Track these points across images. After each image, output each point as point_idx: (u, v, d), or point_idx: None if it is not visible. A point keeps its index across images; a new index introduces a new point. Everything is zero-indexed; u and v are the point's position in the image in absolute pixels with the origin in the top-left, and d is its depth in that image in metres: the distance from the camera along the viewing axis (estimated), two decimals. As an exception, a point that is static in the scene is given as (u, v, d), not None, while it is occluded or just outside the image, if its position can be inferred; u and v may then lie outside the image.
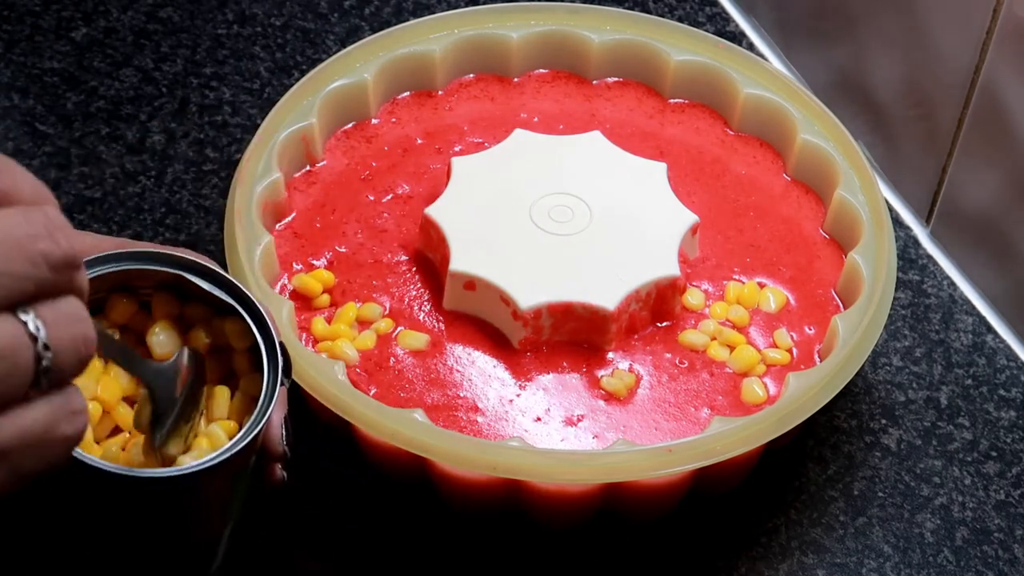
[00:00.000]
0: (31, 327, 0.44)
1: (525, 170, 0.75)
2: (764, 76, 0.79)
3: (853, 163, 0.75)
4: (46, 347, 0.44)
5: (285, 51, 0.89)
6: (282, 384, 0.56)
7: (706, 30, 0.88)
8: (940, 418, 0.75)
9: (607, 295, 0.70)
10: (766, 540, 0.70)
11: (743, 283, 0.74)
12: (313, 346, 0.70)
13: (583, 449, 0.68)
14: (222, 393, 0.57)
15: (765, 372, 0.71)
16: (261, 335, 0.56)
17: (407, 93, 0.80)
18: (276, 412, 0.57)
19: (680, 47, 0.80)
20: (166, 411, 0.54)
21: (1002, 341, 0.78)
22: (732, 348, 0.71)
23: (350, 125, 0.79)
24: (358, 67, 0.78)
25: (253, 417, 0.54)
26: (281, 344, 0.56)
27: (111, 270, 0.55)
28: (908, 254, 0.81)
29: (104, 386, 0.56)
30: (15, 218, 0.44)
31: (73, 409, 0.45)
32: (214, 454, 0.53)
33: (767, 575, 0.69)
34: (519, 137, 0.77)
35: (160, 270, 0.56)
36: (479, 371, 0.70)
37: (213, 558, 0.58)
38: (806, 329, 0.72)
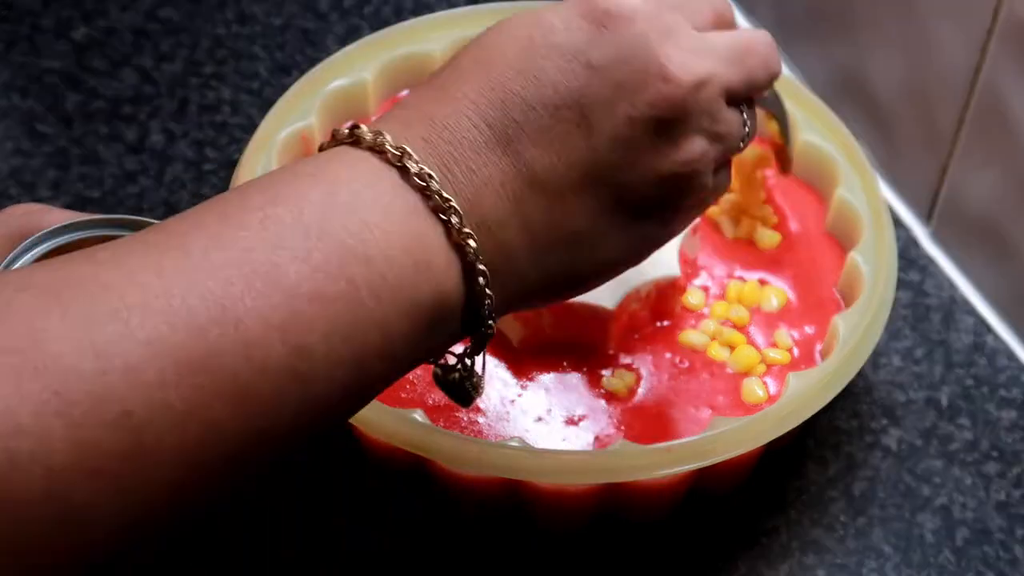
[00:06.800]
0: (746, 120, 0.58)
1: (525, 170, 0.75)
2: (764, 76, 0.79)
3: (853, 163, 0.75)
4: (746, 136, 0.58)
5: (285, 51, 0.89)
6: None
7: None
8: (941, 418, 0.75)
9: (607, 295, 0.70)
10: (766, 540, 0.70)
11: (743, 282, 0.74)
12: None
13: (583, 449, 0.68)
14: None
15: (765, 372, 0.71)
16: None
17: (407, 92, 0.80)
18: None
19: (680, 47, 0.80)
20: None
21: (1002, 341, 0.78)
22: (732, 348, 0.71)
23: (350, 124, 0.79)
24: (358, 67, 0.78)
25: None
26: None
27: (104, 233, 0.57)
28: (908, 254, 0.81)
29: None
30: (759, 35, 0.58)
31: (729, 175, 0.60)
32: None
33: (767, 575, 0.69)
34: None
35: None
36: (479, 371, 0.70)
37: None
38: (806, 329, 0.72)
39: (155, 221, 0.59)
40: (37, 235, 0.58)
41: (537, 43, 0.53)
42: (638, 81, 0.53)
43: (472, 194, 0.51)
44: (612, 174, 0.53)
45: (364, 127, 0.52)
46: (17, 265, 0.57)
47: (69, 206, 0.80)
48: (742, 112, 0.57)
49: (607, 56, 0.53)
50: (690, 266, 0.74)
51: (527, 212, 0.52)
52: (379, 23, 0.90)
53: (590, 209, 0.53)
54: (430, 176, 0.50)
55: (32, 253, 0.57)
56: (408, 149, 0.50)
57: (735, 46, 0.57)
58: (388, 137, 0.51)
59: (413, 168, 0.50)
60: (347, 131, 0.52)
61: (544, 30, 0.53)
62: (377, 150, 0.51)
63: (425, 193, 0.50)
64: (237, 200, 0.49)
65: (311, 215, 0.48)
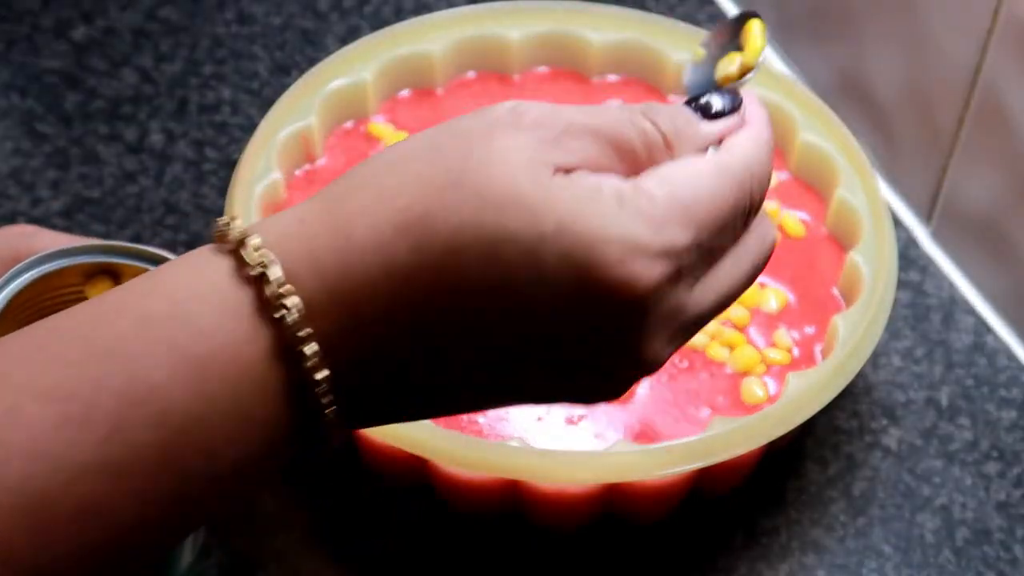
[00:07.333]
0: None
1: (525, 170, 0.75)
2: (764, 76, 0.79)
3: (853, 163, 0.75)
4: None
5: (284, 51, 0.89)
6: None
7: (706, 29, 0.88)
8: (941, 418, 0.75)
9: (607, 295, 0.70)
10: (766, 540, 0.70)
11: (743, 283, 0.74)
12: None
13: (583, 449, 0.68)
14: None
15: (765, 372, 0.71)
16: None
17: (407, 92, 0.80)
18: None
19: (680, 46, 0.80)
20: None
21: (1002, 341, 0.78)
22: (732, 348, 0.71)
23: (350, 124, 0.79)
24: (358, 67, 0.78)
25: None
26: None
27: (91, 260, 0.58)
28: (908, 254, 0.81)
29: None
30: (763, 251, 0.49)
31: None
32: None
33: (767, 575, 0.69)
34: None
35: (134, 265, 0.58)
36: (479, 371, 0.70)
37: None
38: (806, 329, 0.72)
39: (147, 248, 0.59)
40: (26, 261, 0.57)
41: (516, 288, 0.43)
42: (605, 368, 0.46)
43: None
44: (540, 397, 0.47)
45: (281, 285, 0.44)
46: (3, 293, 0.56)
47: (69, 206, 0.80)
48: None
49: (582, 336, 0.44)
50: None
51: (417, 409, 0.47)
52: (379, 23, 0.90)
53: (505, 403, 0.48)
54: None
55: (20, 280, 0.57)
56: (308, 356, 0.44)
57: (737, 282, 0.49)
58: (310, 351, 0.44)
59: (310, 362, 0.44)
60: (239, 237, 0.44)
61: (533, 284, 0.43)
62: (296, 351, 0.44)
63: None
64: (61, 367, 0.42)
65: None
